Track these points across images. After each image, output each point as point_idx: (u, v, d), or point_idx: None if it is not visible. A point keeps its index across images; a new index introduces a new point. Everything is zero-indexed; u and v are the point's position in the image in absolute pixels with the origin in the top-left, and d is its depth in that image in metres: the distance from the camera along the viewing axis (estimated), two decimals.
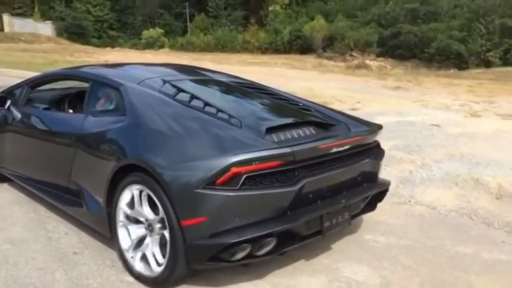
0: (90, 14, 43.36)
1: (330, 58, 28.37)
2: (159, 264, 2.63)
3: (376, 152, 3.33)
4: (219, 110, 2.92)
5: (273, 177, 2.54)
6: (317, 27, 30.38)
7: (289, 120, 3.02)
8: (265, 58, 27.14)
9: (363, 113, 7.11)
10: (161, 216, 2.56)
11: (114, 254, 3.02)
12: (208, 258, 2.48)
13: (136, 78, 3.32)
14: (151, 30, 42.02)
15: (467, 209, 3.95)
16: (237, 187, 2.41)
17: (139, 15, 47.48)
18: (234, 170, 2.40)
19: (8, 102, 4.07)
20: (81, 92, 3.92)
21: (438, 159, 4.99)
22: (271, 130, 2.76)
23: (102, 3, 45.11)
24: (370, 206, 3.32)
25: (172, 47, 40.23)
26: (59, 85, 4.44)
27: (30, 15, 38.81)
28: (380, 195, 3.35)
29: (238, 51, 35.04)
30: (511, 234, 3.57)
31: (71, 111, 4.05)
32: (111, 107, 3.27)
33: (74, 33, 39.62)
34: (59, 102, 4.18)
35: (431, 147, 5.41)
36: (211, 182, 2.39)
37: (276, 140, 2.71)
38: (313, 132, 2.97)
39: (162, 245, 2.61)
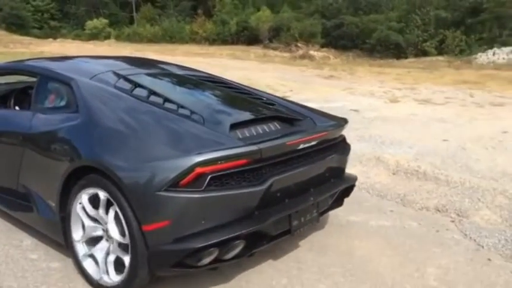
0: (29, 4, 41.54)
1: (275, 49, 28.80)
2: (120, 272, 2.50)
3: (342, 146, 3.26)
4: (179, 106, 2.76)
5: (240, 176, 2.43)
6: (263, 18, 30.77)
7: (254, 116, 2.88)
8: (212, 49, 27.17)
9: (291, 100, 7.47)
10: (120, 221, 2.41)
11: (21, 234, 3.15)
12: (173, 264, 2.36)
13: (89, 72, 3.12)
14: (95, 20, 40.92)
15: (366, 183, 4.34)
16: (202, 188, 2.28)
17: (83, 5, 46.00)
18: (199, 170, 2.27)
19: None
20: (28, 87, 3.69)
21: (349, 140, 5.39)
22: (235, 126, 2.64)
23: None
24: (338, 201, 3.27)
25: (118, 38, 39.34)
26: (3, 79, 4.18)
27: None
28: (347, 191, 3.29)
29: (187, 42, 34.80)
30: (400, 204, 3.99)
31: (17, 108, 3.76)
32: (62, 103, 3.04)
33: (13, 23, 38.00)
34: (4, 98, 3.90)
35: (345, 130, 5.81)
36: (174, 184, 2.26)
37: (240, 136, 2.59)
38: (279, 127, 2.86)
39: (123, 251, 2.48)
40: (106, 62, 3.83)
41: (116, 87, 2.93)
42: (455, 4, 26.69)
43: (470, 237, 3.44)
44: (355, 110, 7.12)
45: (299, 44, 28.29)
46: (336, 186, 3.09)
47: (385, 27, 27.08)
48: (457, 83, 10.89)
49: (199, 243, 2.27)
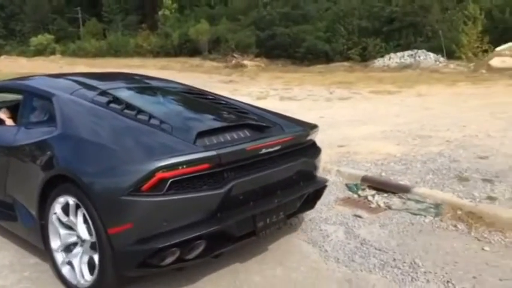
0: None
1: (213, 59, 30.32)
2: (91, 273, 2.64)
3: (311, 151, 3.33)
4: (151, 117, 2.90)
5: (201, 180, 2.53)
6: (201, 30, 32.25)
7: (222, 124, 3.03)
8: (151, 61, 28.42)
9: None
10: (88, 223, 2.57)
11: None
12: (138, 265, 2.47)
13: (70, 88, 3.30)
14: (39, 36, 41.38)
15: None
16: (162, 192, 2.40)
17: (30, 22, 46.28)
18: (159, 175, 2.38)
19: None
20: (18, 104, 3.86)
21: None
22: (202, 134, 2.74)
23: None
24: (309, 204, 3.35)
25: (64, 53, 39.94)
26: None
27: None
28: (318, 193, 3.38)
29: (131, 56, 35.79)
30: None
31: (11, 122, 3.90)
32: (44, 118, 3.22)
33: None
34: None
35: None
36: (136, 189, 2.37)
37: (207, 143, 2.68)
38: (248, 134, 2.95)
39: (94, 250, 2.62)
40: (91, 77, 3.92)
41: (93, 101, 3.07)
42: (376, 14, 29.05)
43: None
44: None
45: (235, 55, 29.96)
46: (304, 189, 3.15)
47: (313, 37, 29.10)
48: (333, 84, 12.56)
49: (160, 244, 2.39)
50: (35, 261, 3.17)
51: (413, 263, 3.10)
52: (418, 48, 25.60)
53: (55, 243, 2.83)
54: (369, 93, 10.59)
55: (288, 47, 30.99)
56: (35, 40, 40.85)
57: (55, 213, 2.78)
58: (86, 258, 2.69)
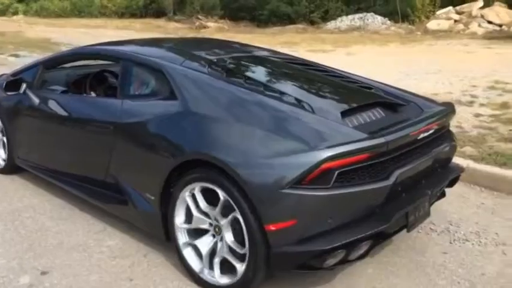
0: None
1: (178, 21, 30.49)
2: (229, 274, 2.40)
3: (450, 135, 3.02)
4: (281, 93, 2.57)
5: (364, 171, 2.25)
6: None
7: (359, 102, 2.68)
8: (114, 22, 28.27)
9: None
10: (234, 219, 2.30)
11: None
12: (297, 266, 2.25)
13: (176, 58, 2.94)
14: None
15: None
16: (330, 185, 2.13)
17: None
18: (325, 165, 2.11)
19: (24, 86, 3.60)
20: (102, 71, 3.67)
21: None
22: (344, 114, 2.47)
23: None
24: (442, 192, 3.02)
25: (26, 13, 38.98)
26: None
27: None
28: (452, 181, 3.02)
29: (96, 16, 35.33)
30: None
31: (92, 94, 3.67)
32: (154, 90, 2.89)
33: None
34: (79, 83, 3.80)
35: None
36: (299, 181, 2.11)
37: (350, 125, 2.42)
38: (383, 114, 2.68)
39: (233, 255, 2.36)
40: (187, 45, 3.57)
41: (209, 73, 2.73)
42: None
43: None
44: None
45: (199, 16, 30.11)
46: (446, 177, 2.88)
47: (275, 0, 29.47)
48: (278, 44, 13.29)
49: (327, 245, 2.14)
50: None
51: None
52: (376, 11, 26.51)
53: (179, 220, 2.54)
54: (306, 51, 11.43)
55: (252, 10, 31.33)
56: None
57: (190, 194, 2.48)
58: (221, 255, 2.43)
